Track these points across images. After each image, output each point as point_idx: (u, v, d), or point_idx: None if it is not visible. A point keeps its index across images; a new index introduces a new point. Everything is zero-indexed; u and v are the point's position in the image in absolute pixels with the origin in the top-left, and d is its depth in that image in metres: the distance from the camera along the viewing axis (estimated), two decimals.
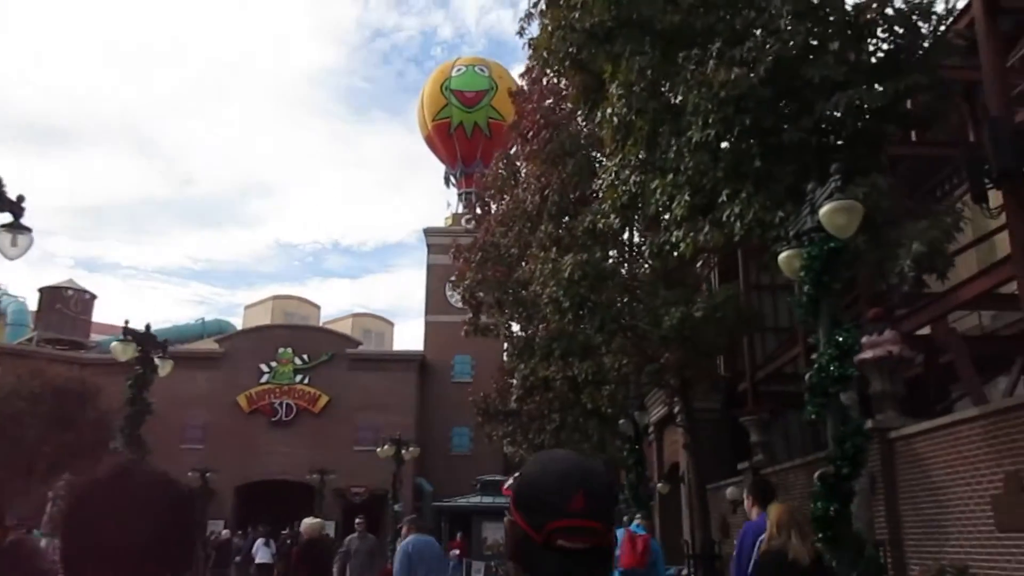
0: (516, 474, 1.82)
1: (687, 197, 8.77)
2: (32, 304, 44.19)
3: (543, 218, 13.23)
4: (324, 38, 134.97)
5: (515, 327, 16.04)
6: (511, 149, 15.37)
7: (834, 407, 6.57)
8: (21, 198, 7.96)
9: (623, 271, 13.02)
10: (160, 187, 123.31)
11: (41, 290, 42.32)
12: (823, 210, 6.52)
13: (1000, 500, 7.46)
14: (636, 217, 10.43)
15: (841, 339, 6.62)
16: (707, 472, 17.61)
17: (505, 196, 14.93)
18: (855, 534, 6.45)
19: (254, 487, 36.25)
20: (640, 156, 9.44)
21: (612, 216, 10.60)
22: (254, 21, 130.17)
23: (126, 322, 11.88)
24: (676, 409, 20.83)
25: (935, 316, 10.64)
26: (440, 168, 47.15)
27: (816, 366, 6.65)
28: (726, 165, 8.45)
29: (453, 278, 17.58)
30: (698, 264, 14.86)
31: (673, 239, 9.26)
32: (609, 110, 9.79)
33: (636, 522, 9.60)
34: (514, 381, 20.69)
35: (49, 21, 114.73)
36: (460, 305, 40.96)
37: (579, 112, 12.22)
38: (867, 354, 9.12)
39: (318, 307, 50.59)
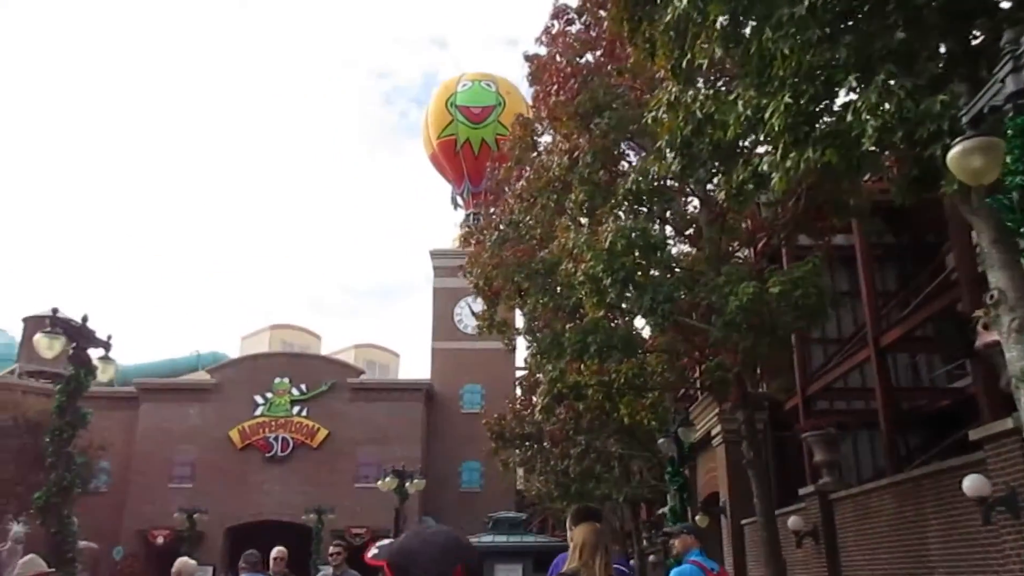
0: (386, 542, 1.88)
1: (787, 99, 6.32)
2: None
3: (572, 186, 10.80)
4: (326, 78, 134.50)
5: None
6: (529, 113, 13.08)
7: None
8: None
9: (675, 241, 10.57)
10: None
11: (25, 320, 39.91)
12: None
13: None
14: (702, 151, 7.95)
15: None
16: (747, 501, 15.06)
17: (525, 170, 12.54)
18: None
19: (246, 528, 33.37)
20: (713, 57, 7.03)
21: (669, 156, 8.15)
22: (254, 55, 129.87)
23: (54, 311, 9.42)
24: (715, 430, 18.24)
25: None
26: (446, 188, 45.00)
27: None
28: (849, 45, 6.02)
29: (464, 263, 14.96)
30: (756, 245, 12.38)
31: (764, 166, 6.80)
32: (667, 9, 7.40)
33: (698, 548, 6.69)
34: (533, 399, 18.14)
35: None
36: (469, 331, 39.03)
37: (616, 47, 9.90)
38: None
39: (319, 336, 48.08)
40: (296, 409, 35.39)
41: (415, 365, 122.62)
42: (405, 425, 34.87)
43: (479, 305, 39.20)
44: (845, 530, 12.20)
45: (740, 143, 8.49)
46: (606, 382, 11.36)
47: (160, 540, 31.55)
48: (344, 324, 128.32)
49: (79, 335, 9.73)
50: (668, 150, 8.16)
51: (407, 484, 22.28)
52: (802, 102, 6.39)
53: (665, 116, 7.73)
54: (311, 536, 30.93)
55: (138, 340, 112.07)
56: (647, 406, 12.30)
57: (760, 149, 7.61)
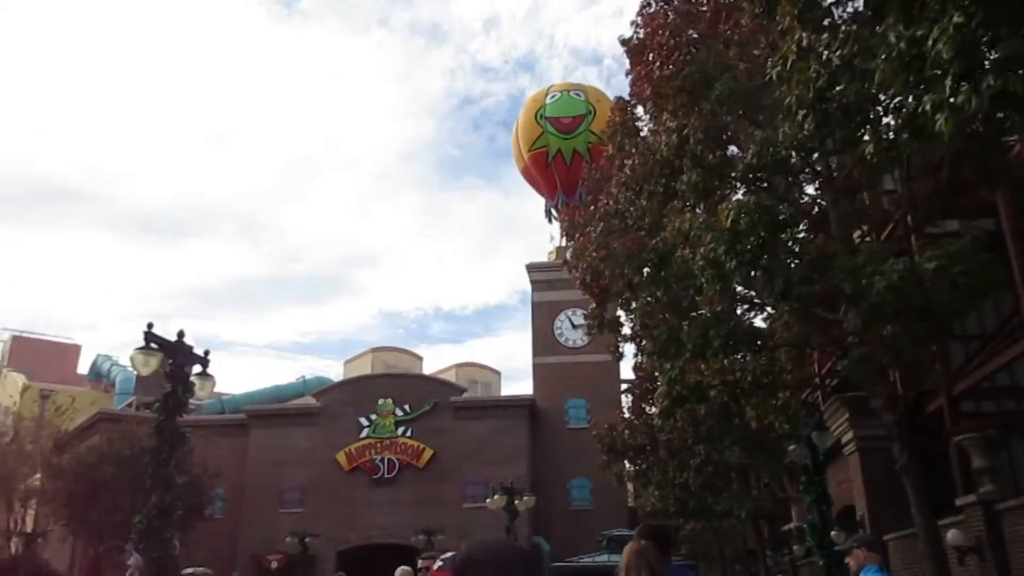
0: (449, 555, 1.19)
1: (956, 18, 5.27)
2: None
3: (682, 167, 9.84)
4: (414, 111, 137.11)
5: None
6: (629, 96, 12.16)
7: None
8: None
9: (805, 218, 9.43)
10: (267, 266, 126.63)
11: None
12: None
13: None
14: (836, 109, 6.89)
15: None
16: (889, 514, 13.56)
17: (628, 158, 11.59)
18: None
19: (357, 551, 33.31)
20: None
21: (798, 117, 7.12)
22: (342, 101, 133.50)
23: (149, 326, 9.11)
24: (847, 437, 16.71)
25: None
26: (540, 201, 44.39)
27: None
28: None
29: (568, 258, 14.01)
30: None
31: (927, 106, 5.73)
32: None
33: (876, 565, 5.44)
34: (645, 408, 17.09)
35: (150, 121, 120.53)
36: (571, 344, 38.21)
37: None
38: None
39: (420, 358, 48.09)
40: (401, 430, 35.21)
41: (517, 385, 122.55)
42: (510, 443, 34.16)
43: (580, 318, 38.56)
44: (1018, 545, 10.66)
45: (880, 98, 7.42)
46: (731, 382, 10.26)
47: (274, 564, 31.74)
48: (445, 350, 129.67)
49: (175, 352, 9.39)
50: (798, 108, 7.14)
51: (516, 502, 21.53)
52: (974, 23, 5.31)
53: (792, 71, 6.73)
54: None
55: (246, 371, 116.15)
56: (777, 408, 11.11)
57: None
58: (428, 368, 47.77)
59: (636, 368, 17.40)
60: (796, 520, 23.38)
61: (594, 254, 11.42)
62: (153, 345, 9.04)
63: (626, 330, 18.94)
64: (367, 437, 35.24)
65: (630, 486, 30.55)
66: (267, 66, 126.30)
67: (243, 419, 37.12)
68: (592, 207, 13.12)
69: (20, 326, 64.06)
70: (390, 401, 35.55)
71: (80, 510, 29.50)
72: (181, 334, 9.52)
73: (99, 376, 52.98)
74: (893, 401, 9.74)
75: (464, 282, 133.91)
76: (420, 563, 6.50)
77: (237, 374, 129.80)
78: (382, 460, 34.81)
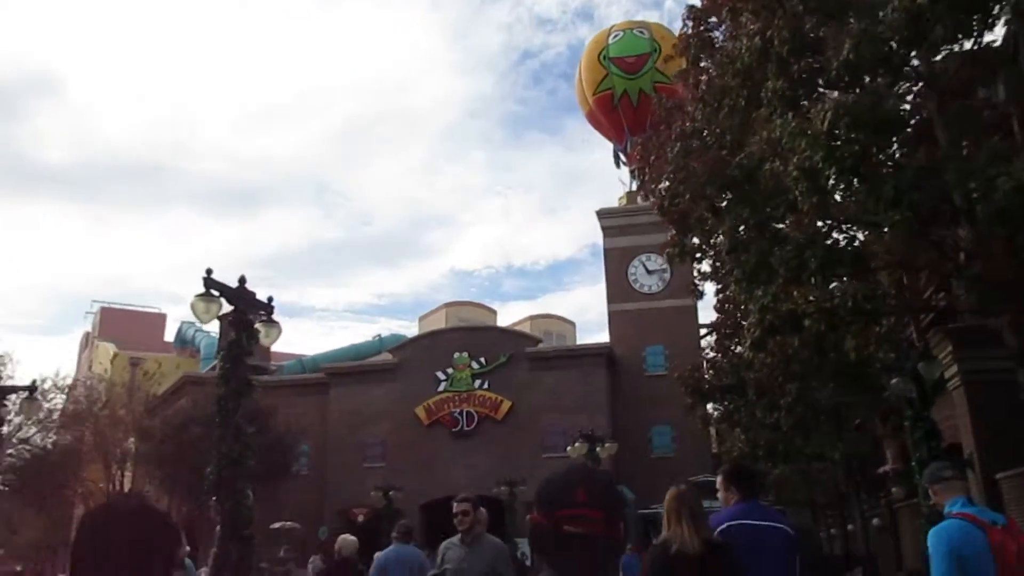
0: None
1: None
2: None
3: (766, 74, 8.86)
4: (473, 68, 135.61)
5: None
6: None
7: None
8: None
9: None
10: (340, 231, 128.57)
11: (220, 318, 42.20)
12: None
13: None
14: None
15: None
16: (1001, 451, 12.46)
17: (703, 72, 10.61)
18: None
19: (440, 504, 33.46)
20: None
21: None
22: (402, 63, 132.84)
23: (208, 272, 8.75)
24: (951, 371, 15.51)
25: None
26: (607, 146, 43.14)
27: None
28: None
29: (643, 180, 13.06)
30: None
31: None
32: None
33: (963, 496, 4.32)
34: (733, 346, 16.21)
35: (220, 94, 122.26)
36: (646, 290, 37.08)
37: None
38: None
39: (494, 311, 47.81)
40: (478, 383, 35.06)
41: (593, 337, 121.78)
42: (588, 392, 33.62)
43: (654, 263, 37.51)
44: None
45: None
46: (827, 309, 9.34)
47: (360, 519, 32.17)
48: (518, 306, 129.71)
49: (238, 298, 9.03)
50: None
51: (597, 449, 21.03)
52: None
53: None
54: (503, 509, 30.47)
55: (327, 335, 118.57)
56: (879, 337, 10.16)
57: None
58: (502, 322, 47.51)
59: (720, 304, 16.47)
60: (891, 461, 22.24)
61: (672, 177, 10.51)
62: (214, 292, 8.69)
63: (706, 267, 18.04)
64: (445, 391, 35.22)
65: (713, 431, 29.76)
66: (327, 32, 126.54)
67: (323, 378, 37.58)
68: (666, 126, 12.13)
69: (109, 298, 66.27)
70: (466, 355, 35.38)
71: (171, 470, 30.38)
72: (243, 280, 9.15)
73: (184, 343, 54.57)
74: (1019, 323, 8.69)
75: (533, 238, 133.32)
76: (456, 507, 5.81)
77: (318, 338, 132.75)
78: (460, 413, 34.78)
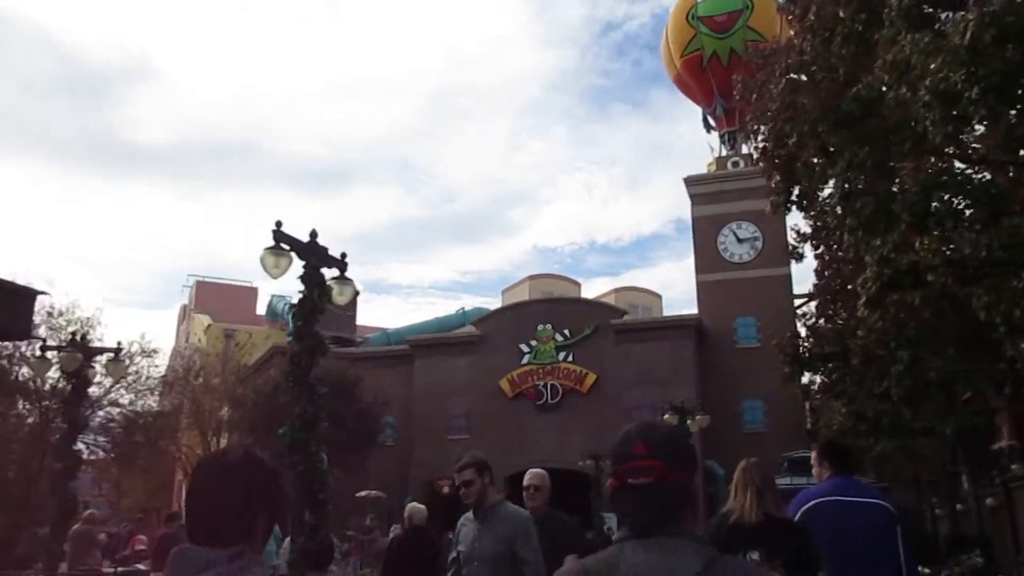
0: None
1: None
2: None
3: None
4: (554, 42, 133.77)
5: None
6: None
7: None
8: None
9: None
10: (424, 209, 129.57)
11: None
12: None
13: None
14: None
15: None
16: None
17: (812, 2, 9.50)
18: None
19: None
20: None
21: None
22: (484, 38, 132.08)
23: (278, 224, 8.33)
24: None
25: None
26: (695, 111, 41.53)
27: None
28: None
29: (742, 125, 11.91)
30: None
31: None
32: None
33: None
34: (836, 310, 15.05)
35: (298, 67, 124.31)
36: (736, 259, 35.60)
37: None
38: None
39: (577, 284, 46.97)
40: (562, 355, 34.44)
41: (679, 310, 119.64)
42: (676, 365, 32.55)
43: (745, 231, 35.98)
44: None
45: None
46: (956, 260, 8.27)
47: (445, 490, 32.15)
48: (602, 282, 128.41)
49: (308, 252, 8.58)
50: None
51: (688, 422, 20.15)
52: None
53: None
54: (589, 483, 29.90)
55: (412, 312, 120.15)
56: (1018, 293, 8.98)
57: None
58: (586, 294, 46.65)
59: (821, 267, 15.31)
60: (1007, 437, 20.56)
61: (777, 115, 9.45)
62: (283, 245, 8.27)
63: (805, 226, 16.83)
64: (528, 363, 34.74)
65: (807, 405, 28.35)
66: (410, 7, 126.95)
67: (407, 350, 37.64)
68: (769, 55, 11.01)
69: (204, 272, 68.40)
70: (549, 327, 34.78)
71: (262, 437, 30.93)
72: (314, 234, 8.71)
73: (275, 316, 55.77)
74: None
75: (617, 213, 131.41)
76: (456, 477, 4.71)
77: (405, 314, 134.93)
78: (545, 386, 34.26)
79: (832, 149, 8.61)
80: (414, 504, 7.94)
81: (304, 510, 7.90)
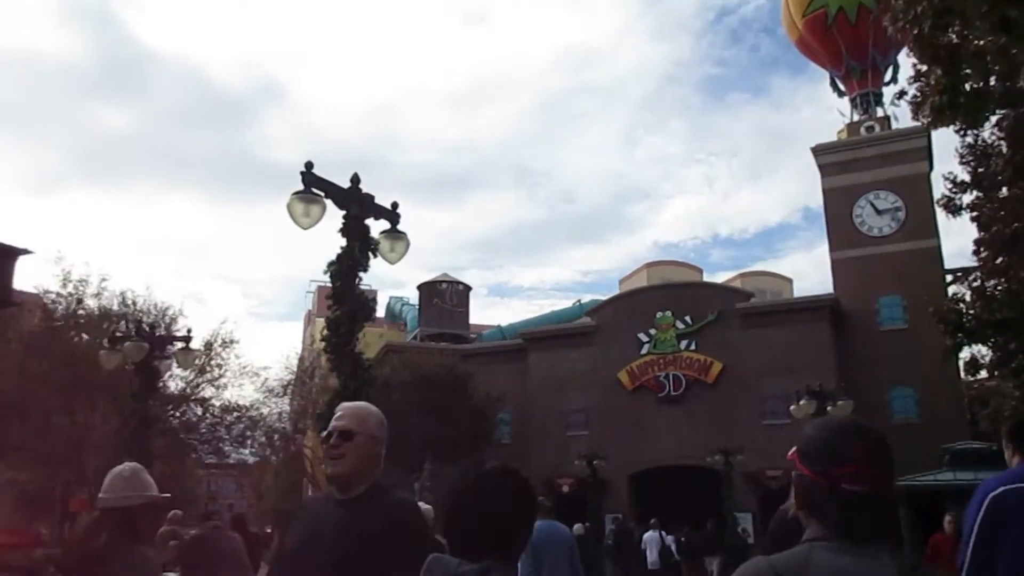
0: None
1: None
2: None
3: None
4: (667, 33, 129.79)
5: None
6: None
7: None
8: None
9: None
10: (543, 210, 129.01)
11: (420, 287, 42.31)
12: None
13: None
14: None
15: None
16: None
17: None
18: None
19: (649, 474, 31.06)
20: None
21: None
22: (595, 34, 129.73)
23: (308, 165, 6.97)
24: None
25: None
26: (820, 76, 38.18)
27: None
28: None
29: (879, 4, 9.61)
30: None
31: None
32: None
33: None
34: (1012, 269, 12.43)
35: (414, 79, 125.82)
36: (875, 232, 32.10)
37: None
38: None
39: (699, 269, 44.35)
40: (684, 343, 32.10)
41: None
42: (811, 351, 29.56)
43: (884, 200, 32.54)
44: None
45: None
46: None
47: (565, 488, 30.58)
48: (727, 277, 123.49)
49: (350, 200, 7.20)
50: None
51: (828, 408, 17.72)
52: None
53: None
54: (720, 480, 27.57)
55: (535, 311, 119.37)
56: None
57: None
58: (707, 279, 43.92)
59: (988, 216, 12.70)
60: None
61: None
62: (316, 191, 6.91)
63: (964, 174, 14.21)
64: (648, 354, 32.61)
65: (966, 393, 24.97)
66: (519, 8, 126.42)
67: (520, 344, 36.28)
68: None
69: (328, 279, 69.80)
70: (669, 314, 32.54)
71: None
72: (356, 179, 7.32)
73: (395, 318, 56.01)
74: None
75: (740, 205, 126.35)
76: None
77: (528, 316, 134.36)
78: (667, 377, 32.03)
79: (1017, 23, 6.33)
80: (423, 506, 6.67)
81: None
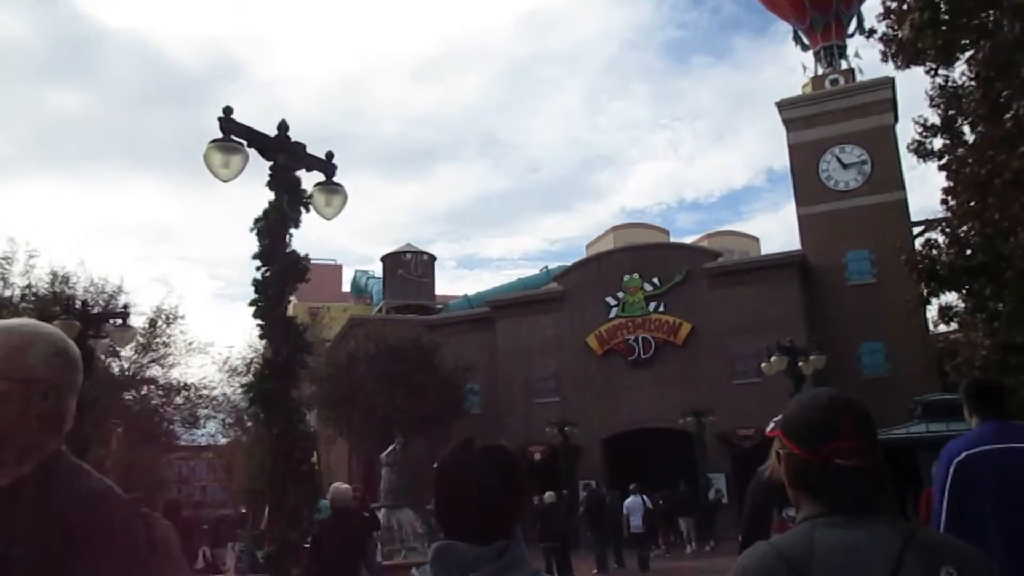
0: (779, 417, 1.79)
1: None
2: None
3: None
4: None
5: None
6: None
7: None
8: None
9: None
10: (509, 180, 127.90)
11: (383, 259, 41.45)
12: None
13: None
14: None
15: None
16: None
17: None
18: None
19: (621, 439, 30.80)
20: None
21: None
22: (553, 1, 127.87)
23: (227, 111, 6.21)
24: None
25: None
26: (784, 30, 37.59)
27: None
28: None
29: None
30: None
31: None
32: None
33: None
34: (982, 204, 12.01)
35: (377, 52, 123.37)
36: (841, 187, 31.71)
37: None
38: None
39: (666, 231, 43.96)
40: (652, 305, 31.70)
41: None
42: (780, 308, 29.30)
43: (850, 154, 32.21)
44: None
45: None
46: None
47: (537, 456, 30.19)
48: (695, 239, 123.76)
49: (277, 149, 6.46)
50: None
51: (800, 364, 17.39)
52: None
53: None
54: (692, 442, 27.36)
55: (504, 281, 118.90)
56: None
57: None
58: (673, 241, 43.54)
59: (966, 153, 12.25)
60: None
61: None
62: (237, 139, 6.17)
63: (934, 117, 13.74)
64: (616, 317, 32.18)
65: (937, 346, 24.85)
66: None
67: (488, 312, 35.68)
68: None
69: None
70: (636, 276, 32.09)
71: (344, 412, 29.72)
72: (284, 126, 6.58)
73: (360, 292, 55.14)
74: None
75: (706, 168, 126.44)
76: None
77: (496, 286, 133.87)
78: (636, 340, 31.65)
79: None
80: (336, 485, 7.20)
81: (284, 487, 5.86)
